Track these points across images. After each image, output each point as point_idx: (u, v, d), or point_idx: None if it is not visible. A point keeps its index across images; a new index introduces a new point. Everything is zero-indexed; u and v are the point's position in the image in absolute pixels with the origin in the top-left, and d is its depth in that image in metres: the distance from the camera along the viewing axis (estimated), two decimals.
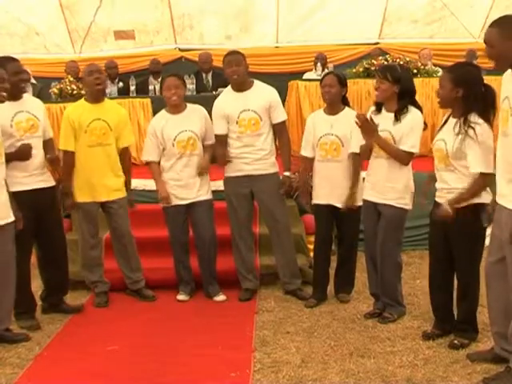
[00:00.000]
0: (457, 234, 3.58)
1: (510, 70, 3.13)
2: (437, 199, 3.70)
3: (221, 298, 4.68)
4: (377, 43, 9.56)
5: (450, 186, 3.58)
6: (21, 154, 4.09)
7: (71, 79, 7.21)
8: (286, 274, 4.71)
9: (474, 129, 3.42)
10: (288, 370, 3.45)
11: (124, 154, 4.69)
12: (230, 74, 4.48)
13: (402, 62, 6.95)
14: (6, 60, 4.12)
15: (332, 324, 4.12)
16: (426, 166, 4.22)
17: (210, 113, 4.67)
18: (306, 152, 4.52)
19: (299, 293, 4.65)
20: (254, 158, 4.53)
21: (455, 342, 3.66)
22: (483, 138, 3.43)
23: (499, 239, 3.21)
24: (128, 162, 4.77)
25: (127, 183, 4.72)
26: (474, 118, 3.45)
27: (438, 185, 3.69)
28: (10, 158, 3.99)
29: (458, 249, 3.62)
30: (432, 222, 3.78)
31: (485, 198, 3.55)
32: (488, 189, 3.54)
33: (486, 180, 3.47)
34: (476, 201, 3.52)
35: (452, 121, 3.58)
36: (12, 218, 3.85)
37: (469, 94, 3.47)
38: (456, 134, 3.48)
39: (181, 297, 4.72)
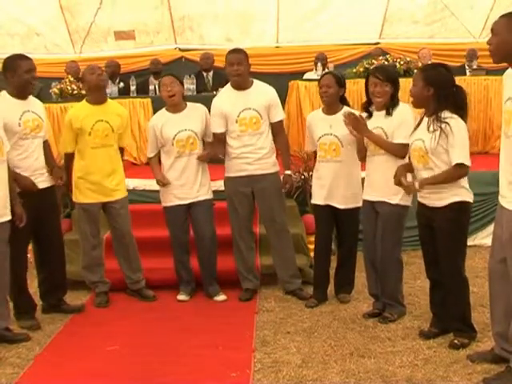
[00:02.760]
0: (439, 233, 3.60)
1: (510, 70, 3.14)
2: (418, 199, 3.73)
3: (221, 297, 4.68)
4: (377, 43, 9.55)
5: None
6: (24, 186, 4.06)
7: (71, 79, 7.22)
8: (284, 274, 4.71)
9: (448, 123, 3.48)
10: (288, 370, 3.44)
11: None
12: (232, 73, 4.46)
13: (402, 62, 6.98)
14: (20, 58, 4.14)
15: (332, 324, 4.12)
16: None
17: (210, 112, 4.66)
18: (309, 147, 4.58)
19: (299, 293, 4.65)
20: (255, 157, 4.52)
21: (455, 341, 3.65)
22: (459, 130, 3.48)
23: (500, 239, 3.21)
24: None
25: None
26: (446, 114, 3.51)
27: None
28: (16, 176, 3.99)
29: (440, 248, 3.64)
30: (419, 223, 3.80)
31: (467, 196, 3.59)
32: (468, 186, 3.59)
33: (461, 171, 3.52)
34: (457, 199, 3.55)
35: (426, 120, 3.62)
36: (8, 218, 3.83)
37: (439, 94, 3.53)
38: (431, 131, 3.52)
39: (181, 297, 4.72)
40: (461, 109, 3.55)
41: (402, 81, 4.23)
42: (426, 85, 3.55)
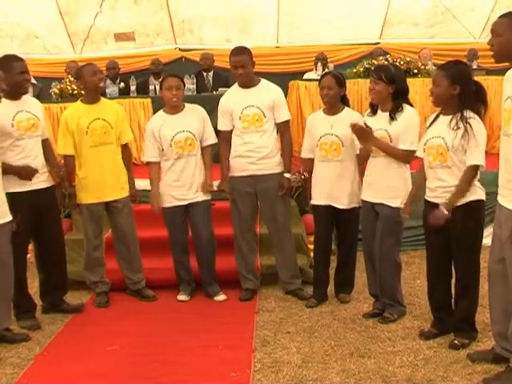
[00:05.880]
0: (455, 232, 3.58)
1: None
2: (429, 199, 3.70)
3: (221, 297, 4.68)
4: (377, 43, 9.53)
5: (446, 184, 3.59)
6: (23, 174, 4.07)
7: (71, 79, 7.21)
8: (285, 275, 4.71)
9: (470, 125, 3.50)
10: (288, 369, 3.44)
11: (124, 150, 4.68)
12: (237, 76, 4.52)
13: (402, 62, 6.97)
14: (12, 59, 4.12)
15: (332, 324, 4.12)
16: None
17: (210, 112, 4.67)
18: (305, 154, 4.53)
19: (299, 293, 4.65)
20: (257, 156, 4.51)
21: (455, 342, 3.65)
22: (480, 133, 3.52)
23: (499, 238, 3.21)
24: (129, 159, 4.77)
25: (130, 180, 4.70)
26: (469, 113, 3.53)
27: (430, 184, 3.69)
28: (10, 171, 3.98)
29: (457, 248, 3.62)
30: (425, 222, 3.78)
31: (480, 194, 3.60)
32: (479, 184, 3.60)
33: (474, 172, 3.55)
34: (472, 198, 3.55)
35: (444, 118, 3.61)
36: (9, 218, 3.84)
37: (464, 91, 3.54)
38: (454, 129, 3.52)
39: (181, 297, 4.72)
40: (483, 103, 3.57)
41: None
42: (452, 83, 3.54)
